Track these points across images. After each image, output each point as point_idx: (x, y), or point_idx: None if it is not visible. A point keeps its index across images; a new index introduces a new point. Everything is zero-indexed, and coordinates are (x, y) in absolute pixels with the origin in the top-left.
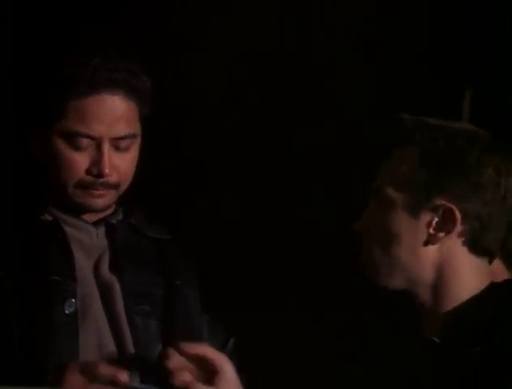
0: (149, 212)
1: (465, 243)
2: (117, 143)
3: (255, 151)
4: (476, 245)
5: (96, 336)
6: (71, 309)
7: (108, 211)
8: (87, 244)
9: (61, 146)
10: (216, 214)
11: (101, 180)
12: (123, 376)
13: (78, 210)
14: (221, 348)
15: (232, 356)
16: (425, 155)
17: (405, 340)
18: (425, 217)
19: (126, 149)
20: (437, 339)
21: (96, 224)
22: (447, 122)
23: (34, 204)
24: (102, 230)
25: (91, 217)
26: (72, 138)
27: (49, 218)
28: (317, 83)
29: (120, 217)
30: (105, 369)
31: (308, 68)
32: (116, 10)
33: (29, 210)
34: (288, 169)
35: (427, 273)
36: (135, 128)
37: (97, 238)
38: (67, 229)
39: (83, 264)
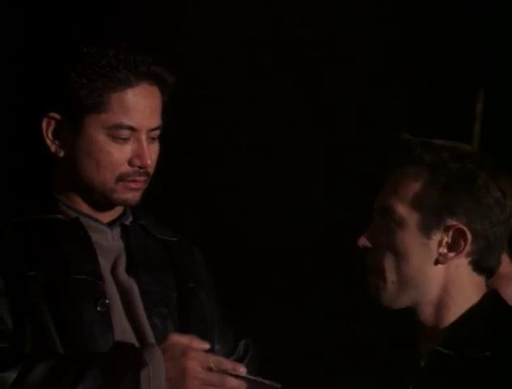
0: (160, 215)
1: (470, 262)
2: (150, 134)
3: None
4: (480, 264)
5: (121, 337)
6: (103, 308)
7: (120, 211)
8: (104, 245)
9: (102, 140)
10: (225, 216)
11: (143, 170)
12: (242, 368)
13: (110, 206)
14: (231, 351)
15: (243, 359)
16: (436, 176)
17: (406, 354)
18: (436, 237)
19: (155, 140)
20: (445, 350)
21: (109, 224)
22: (452, 144)
23: (49, 205)
24: (117, 231)
25: (104, 218)
26: (114, 131)
27: (67, 218)
28: (323, 83)
29: (130, 218)
30: (227, 363)
31: (315, 67)
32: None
33: (45, 210)
34: (294, 177)
35: (433, 291)
36: (161, 119)
37: (113, 240)
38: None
39: (104, 265)
